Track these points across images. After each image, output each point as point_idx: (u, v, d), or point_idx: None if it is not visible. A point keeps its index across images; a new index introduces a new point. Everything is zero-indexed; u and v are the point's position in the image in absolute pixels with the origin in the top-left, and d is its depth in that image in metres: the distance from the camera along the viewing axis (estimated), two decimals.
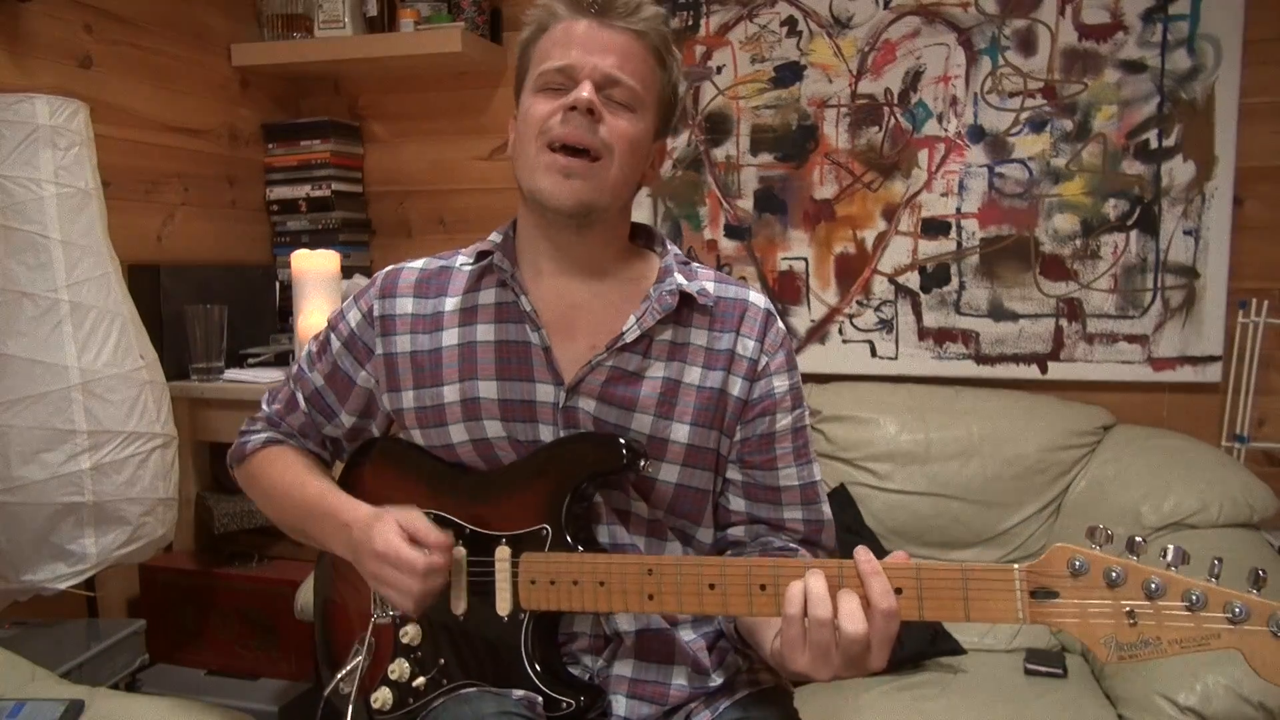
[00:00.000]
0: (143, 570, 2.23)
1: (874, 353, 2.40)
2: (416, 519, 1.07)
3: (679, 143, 2.48)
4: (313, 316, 2.14)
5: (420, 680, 1.13)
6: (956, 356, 2.35)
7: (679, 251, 1.19)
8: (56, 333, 1.72)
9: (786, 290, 2.45)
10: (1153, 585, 0.83)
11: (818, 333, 2.44)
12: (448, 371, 1.15)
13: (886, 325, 2.39)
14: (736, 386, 1.13)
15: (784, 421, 1.15)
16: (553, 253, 1.14)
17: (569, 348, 1.12)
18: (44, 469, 1.70)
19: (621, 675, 1.12)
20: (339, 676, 1.17)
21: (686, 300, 1.12)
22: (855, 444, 2.19)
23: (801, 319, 2.44)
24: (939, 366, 2.36)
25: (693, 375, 1.13)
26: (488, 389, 1.13)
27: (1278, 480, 2.03)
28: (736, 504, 1.17)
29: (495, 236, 1.18)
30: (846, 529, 2.12)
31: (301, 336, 2.16)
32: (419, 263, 1.22)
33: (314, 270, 2.17)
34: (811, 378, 2.39)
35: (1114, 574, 0.84)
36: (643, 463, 1.07)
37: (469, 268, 1.17)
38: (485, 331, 1.15)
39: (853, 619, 0.89)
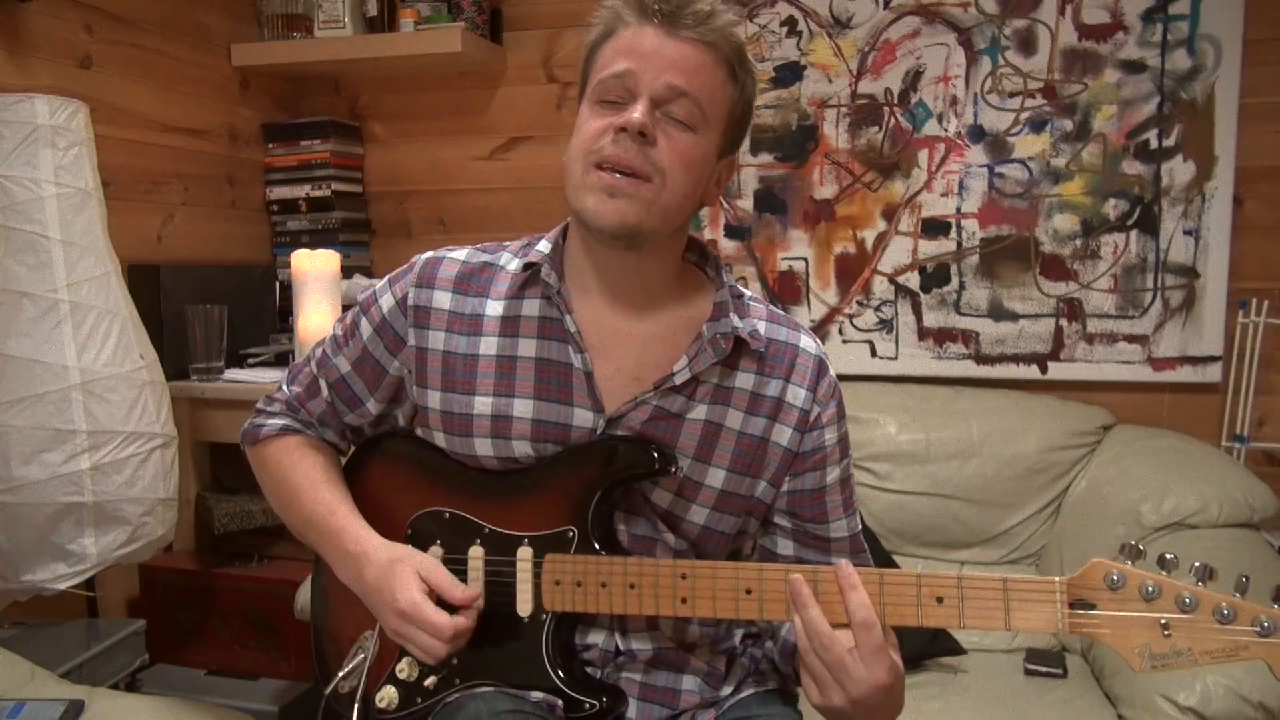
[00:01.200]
0: (143, 570, 2.23)
1: (874, 353, 2.40)
2: (437, 571, 1.04)
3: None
4: (313, 317, 2.14)
5: (431, 680, 1.11)
6: (956, 356, 2.35)
7: (733, 282, 1.14)
8: (56, 333, 1.72)
9: (786, 290, 2.45)
10: (1186, 600, 0.89)
11: (818, 333, 2.42)
12: (482, 382, 1.11)
13: (886, 325, 2.39)
14: (785, 436, 1.10)
15: (834, 474, 1.13)
16: (600, 272, 1.09)
17: (612, 374, 1.09)
18: (44, 469, 1.70)
19: (632, 679, 1.12)
20: (340, 674, 1.14)
21: (737, 342, 1.08)
22: (855, 444, 2.15)
23: (801, 319, 2.44)
24: (939, 366, 2.36)
25: (734, 420, 1.09)
26: (523, 408, 1.09)
27: (1278, 480, 2.03)
28: (785, 547, 1.14)
29: (544, 245, 1.12)
30: None
31: (301, 336, 2.16)
32: (461, 253, 1.16)
33: (314, 270, 2.17)
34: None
35: (1149, 588, 0.90)
36: (673, 468, 1.05)
37: (515, 270, 1.12)
38: (527, 347, 1.10)
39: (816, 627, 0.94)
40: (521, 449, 1.10)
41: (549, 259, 1.10)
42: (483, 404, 1.10)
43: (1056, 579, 0.92)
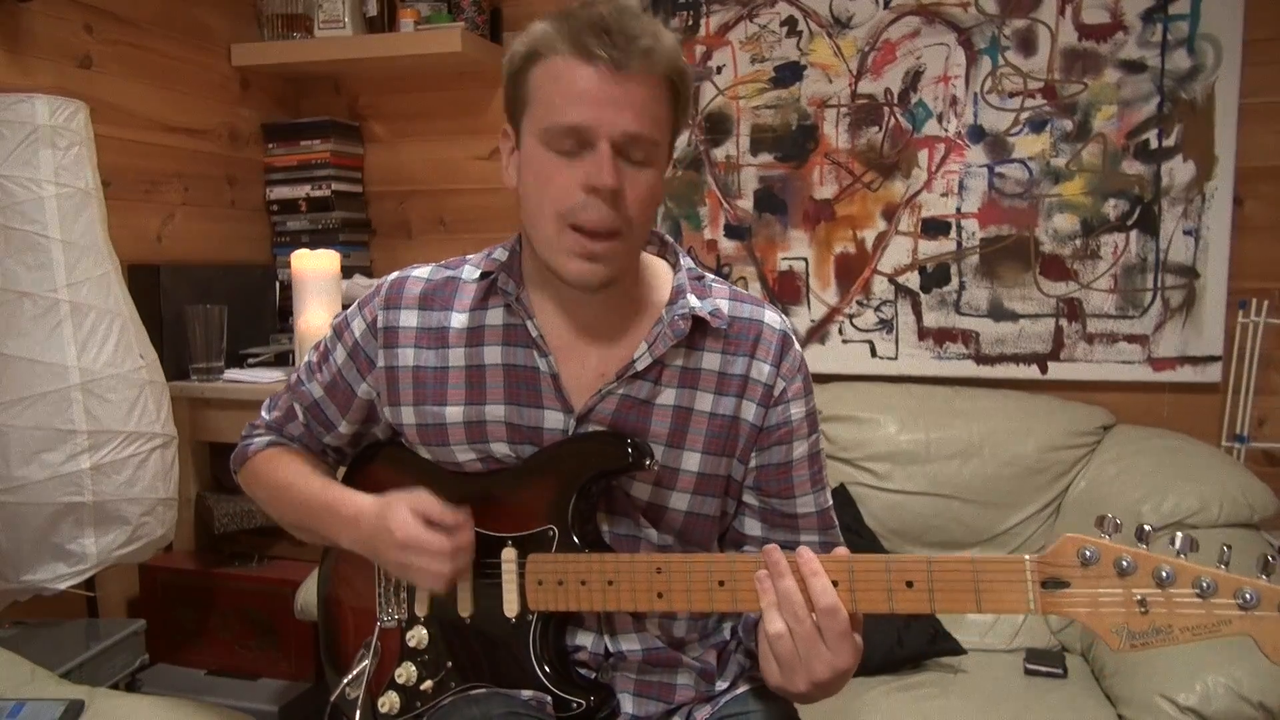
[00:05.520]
0: (143, 570, 2.23)
1: (874, 353, 2.40)
2: (427, 501, 1.06)
3: (679, 142, 2.47)
4: (313, 317, 2.14)
5: (428, 684, 1.13)
6: (956, 356, 2.35)
7: (692, 265, 1.15)
8: (56, 333, 1.72)
9: (786, 290, 2.45)
10: (1164, 573, 0.83)
11: (818, 333, 2.44)
12: (453, 393, 1.13)
13: (886, 325, 2.39)
14: (751, 412, 1.11)
15: (800, 449, 1.13)
16: (562, 291, 1.10)
17: (577, 372, 1.10)
18: (44, 469, 1.70)
19: (627, 676, 1.13)
20: (345, 681, 1.16)
21: (699, 323, 1.09)
22: (855, 444, 2.19)
23: (801, 319, 2.44)
24: (939, 366, 2.36)
25: (704, 402, 1.10)
26: (494, 412, 1.11)
27: (1278, 480, 2.03)
28: (752, 528, 1.15)
29: (500, 253, 1.15)
30: (846, 529, 2.11)
31: (301, 336, 2.16)
32: (425, 271, 1.18)
33: (314, 270, 2.17)
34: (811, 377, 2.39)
35: (1124, 563, 0.85)
36: (648, 461, 1.06)
37: (475, 282, 1.14)
38: (493, 354, 1.12)
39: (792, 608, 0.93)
40: (500, 450, 1.12)
41: (505, 266, 1.12)
42: (455, 413, 1.12)
43: (1026, 557, 0.88)
